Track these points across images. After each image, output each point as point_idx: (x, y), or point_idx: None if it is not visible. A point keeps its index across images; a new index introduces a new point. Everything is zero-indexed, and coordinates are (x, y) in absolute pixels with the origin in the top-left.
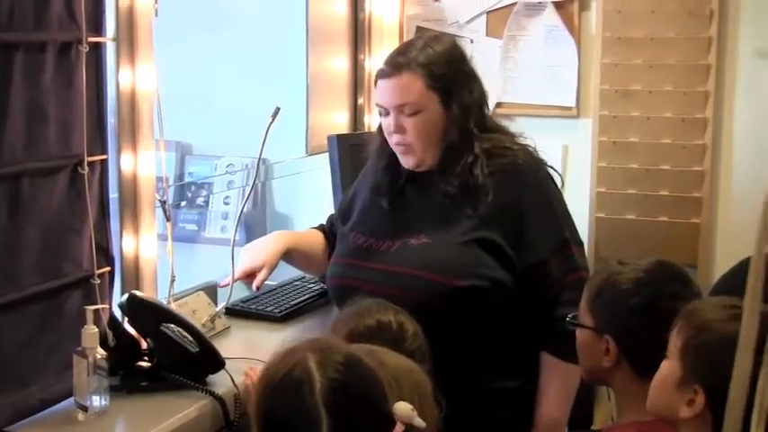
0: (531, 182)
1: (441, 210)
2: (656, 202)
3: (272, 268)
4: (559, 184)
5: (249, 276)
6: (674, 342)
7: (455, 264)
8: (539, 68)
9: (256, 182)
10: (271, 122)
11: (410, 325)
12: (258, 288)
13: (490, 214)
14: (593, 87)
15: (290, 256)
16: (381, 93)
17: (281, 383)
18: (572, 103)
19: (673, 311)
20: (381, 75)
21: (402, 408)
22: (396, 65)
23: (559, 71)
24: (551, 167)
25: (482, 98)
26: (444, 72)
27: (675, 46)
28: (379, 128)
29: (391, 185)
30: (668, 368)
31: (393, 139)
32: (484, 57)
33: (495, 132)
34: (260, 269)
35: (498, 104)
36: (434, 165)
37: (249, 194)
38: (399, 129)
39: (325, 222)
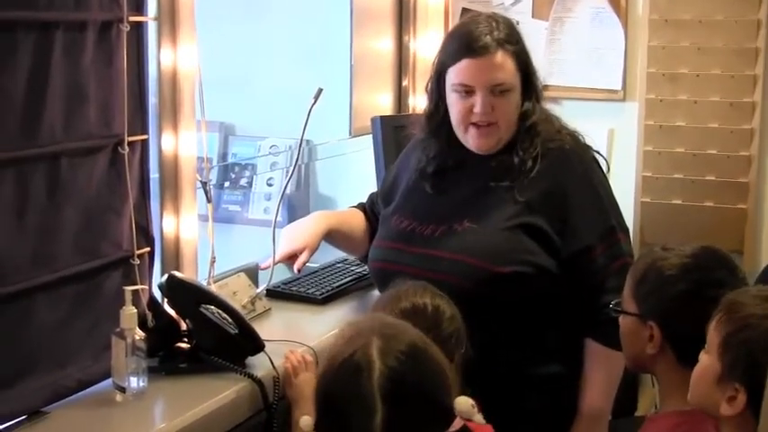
0: (577, 168)
1: (485, 194)
2: (702, 187)
3: (314, 250)
4: (605, 170)
5: (290, 258)
6: (713, 336)
7: (498, 249)
8: (585, 51)
9: (299, 163)
10: (313, 104)
11: (447, 308)
12: (299, 270)
13: (536, 200)
14: (639, 70)
15: (330, 237)
16: (469, 72)
17: (342, 367)
18: (618, 87)
19: (717, 299)
20: (469, 53)
21: (463, 402)
22: (485, 44)
23: (606, 54)
24: (598, 153)
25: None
26: (525, 51)
27: (723, 29)
28: (432, 111)
29: (437, 171)
30: (707, 362)
31: (474, 118)
32: (529, 39)
33: (547, 116)
34: (301, 251)
35: (544, 87)
36: (502, 145)
37: (291, 175)
38: (488, 108)
39: (365, 201)
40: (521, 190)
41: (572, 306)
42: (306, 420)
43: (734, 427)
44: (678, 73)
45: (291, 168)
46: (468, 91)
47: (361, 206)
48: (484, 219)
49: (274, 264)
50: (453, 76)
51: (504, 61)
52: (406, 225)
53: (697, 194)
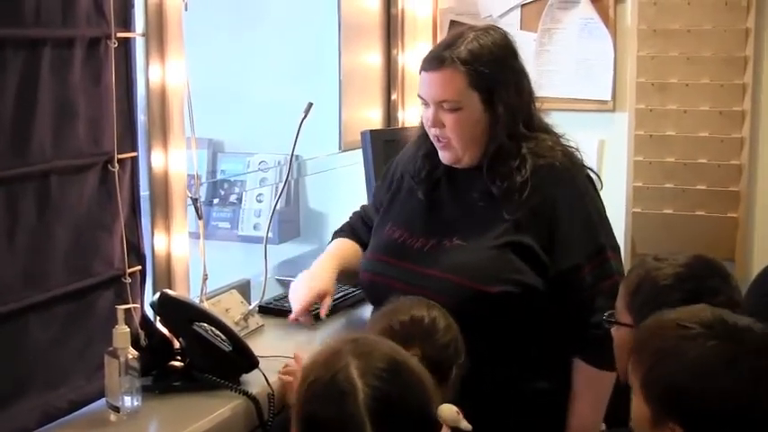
0: (568, 185)
1: (475, 211)
2: (693, 197)
3: (333, 294)
4: (599, 188)
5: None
6: (633, 382)
7: (486, 269)
8: (574, 62)
9: (289, 179)
10: (303, 118)
11: (443, 319)
12: (326, 315)
13: (525, 217)
14: (629, 80)
15: (340, 276)
16: (422, 85)
17: (324, 391)
18: (608, 97)
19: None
20: (424, 66)
21: (447, 411)
22: (439, 59)
23: (595, 65)
24: (591, 170)
25: (530, 96)
26: (489, 71)
27: (712, 38)
28: (422, 118)
29: (429, 175)
30: (636, 406)
31: (432, 132)
32: (518, 50)
33: (541, 131)
34: (323, 298)
35: None
36: (474, 162)
37: (282, 191)
38: (438, 123)
39: (352, 221)
40: (509, 208)
41: (560, 323)
42: None
43: None
44: (667, 83)
45: (283, 184)
46: (425, 103)
47: (348, 231)
48: (473, 236)
49: (298, 316)
50: (418, 87)
51: (451, 78)
52: (398, 236)
53: (688, 203)
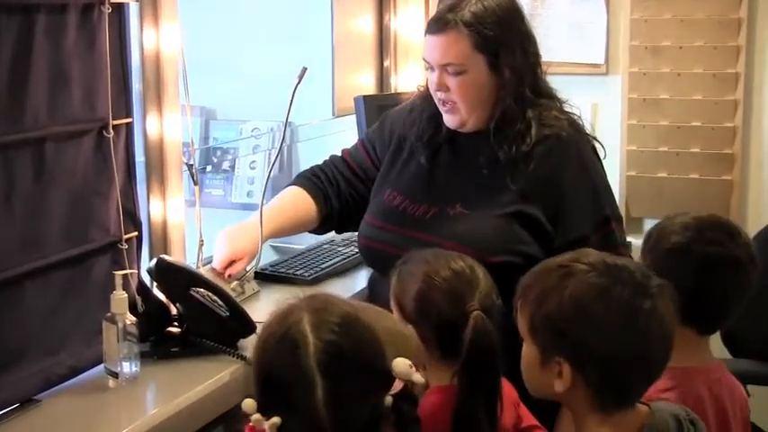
0: (573, 155)
1: (480, 178)
2: (687, 160)
3: (252, 257)
4: (604, 157)
5: (229, 265)
6: (521, 325)
7: (490, 238)
8: (566, 25)
9: (283, 145)
10: (297, 83)
11: (478, 267)
12: (230, 276)
13: (530, 187)
14: (622, 44)
15: (275, 237)
16: (427, 49)
17: (277, 344)
18: (601, 60)
19: (706, 256)
20: (428, 30)
21: (401, 364)
22: (443, 21)
23: (587, 28)
24: (595, 139)
25: (537, 60)
26: (494, 33)
27: (706, 0)
28: (426, 81)
29: (431, 139)
30: (526, 351)
31: (437, 96)
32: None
33: (546, 98)
34: (240, 258)
35: None
36: (479, 127)
37: (276, 158)
38: (443, 87)
39: (324, 165)
40: (515, 177)
41: None
42: (248, 403)
43: (576, 401)
44: (661, 46)
45: (277, 151)
46: (430, 67)
47: (308, 179)
48: (477, 205)
49: (213, 270)
50: (423, 50)
51: (455, 41)
52: (398, 202)
53: (682, 167)
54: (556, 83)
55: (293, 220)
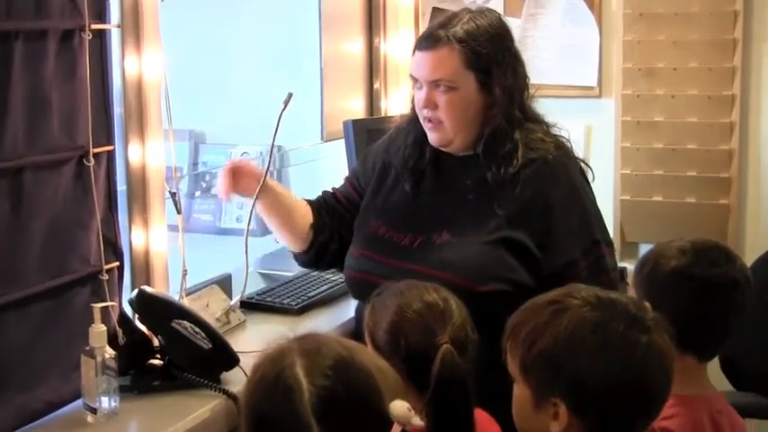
0: (561, 179)
1: (465, 203)
2: (683, 183)
3: (258, 178)
4: (592, 180)
5: (235, 174)
6: (512, 366)
7: (478, 266)
8: (559, 48)
9: (270, 169)
10: (283, 109)
11: (452, 299)
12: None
13: (518, 212)
14: (615, 66)
15: (272, 200)
16: (416, 64)
17: (270, 388)
18: (594, 83)
19: (709, 278)
20: (419, 46)
21: (399, 407)
22: (435, 37)
23: (580, 50)
24: (583, 162)
25: (525, 82)
26: (486, 51)
27: (700, 21)
28: (410, 101)
29: (415, 165)
30: (518, 393)
31: (423, 113)
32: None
33: (533, 121)
34: (251, 171)
35: None
36: (464, 147)
37: (262, 183)
38: (430, 104)
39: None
40: (501, 202)
41: None
42: None
43: None
44: (654, 67)
45: (263, 176)
46: (419, 84)
47: (310, 201)
48: (463, 231)
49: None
50: (410, 67)
51: (447, 57)
52: (383, 232)
53: (678, 191)
54: (548, 106)
55: (294, 204)
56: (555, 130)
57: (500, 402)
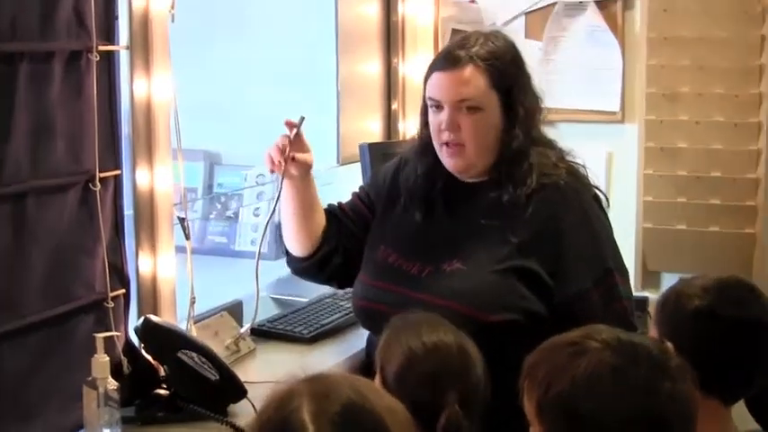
0: (573, 205)
1: (476, 230)
2: (706, 212)
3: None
4: (606, 206)
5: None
6: (528, 408)
7: (488, 296)
8: (581, 71)
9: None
10: (295, 133)
11: (471, 346)
12: (294, 160)
13: (529, 240)
14: (638, 91)
15: (304, 183)
16: (437, 86)
17: None
18: (616, 108)
19: (734, 318)
20: (438, 67)
21: None
22: (456, 57)
23: (603, 74)
24: (597, 188)
25: (539, 105)
26: (508, 71)
27: (726, 46)
28: (421, 127)
29: (427, 195)
30: None
31: (443, 137)
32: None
33: (544, 145)
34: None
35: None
36: (482, 172)
37: (274, 208)
38: (453, 126)
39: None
40: (513, 230)
41: None
42: None
43: None
44: (679, 92)
45: (275, 201)
46: (438, 106)
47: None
48: (473, 260)
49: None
50: (427, 90)
51: (472, 76)
52: (393, 260)
53: (701, 219)
54: (569, 131)
55: (318, 205)
56: (569, 157)
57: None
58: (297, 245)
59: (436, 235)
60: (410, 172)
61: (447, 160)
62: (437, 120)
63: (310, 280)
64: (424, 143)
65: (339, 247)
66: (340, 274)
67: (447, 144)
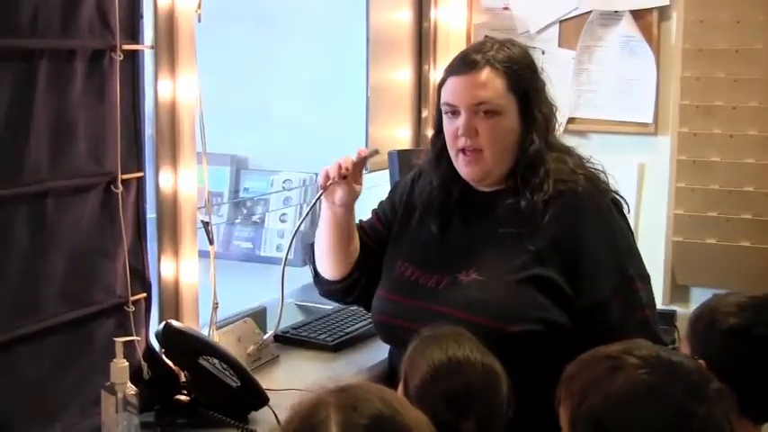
0: (591, 213)
1: (492, 241)
2: (738, 226)
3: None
4: (627, 212)
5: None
6: (562, 417)
7: (507, 307)
8: (614, 82)
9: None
10: (363, 159)
11: (497, 365)
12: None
13: (546, 248)
14: (672, 102)
15: (348, 210)
16: (453, 90)
17: None
18: (649, 120)
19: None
20: (454, 71)
21: None
22: (473, 61)
23: (636, 85)
24: (617, 194)
25: (554, 111)
26: (525, 76)
27: (762, 58)
28: (434, 136)
29: (442, 206)
30: None
31: (460, 143)
32: (556, 69)
33: (563, 152)
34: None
35: (571, 120)
36: (499, 179)
37: (307, 214)
38: (470, 131)
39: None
40: (530, 238)
41: None
42: None
43: None
44: (713, 105)
45: (307, 210)
46: (454, 111)
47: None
48: (490, 270)
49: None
50: (442, 96)
51: (490, 79)
52: (410, 273)
53: (732, 234)
54: (601, 142)
55: (356, 230)
56: (588, 164)
57: None
58: (330, 269)
59: (453, 246)
60: (425, 184)
61: (463, 169)
62: (453, 126)
63: (336, 301)
64: (438, 152)
65: (364, 270)
66: (365, 295)
67: (464, 151)
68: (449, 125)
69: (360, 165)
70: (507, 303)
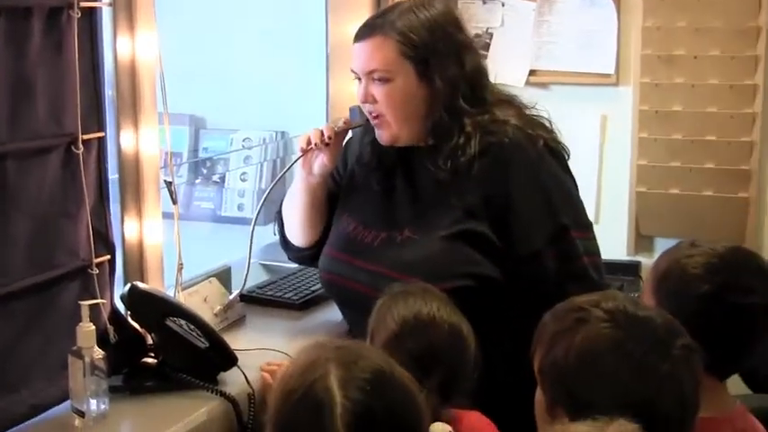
0: (519, 164)
1: (426, 197)
2: (701, 176)
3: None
4: (567, 158)
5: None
6: (535, 364)
7: (438, 265)
8: (575, 33)
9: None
10: (345, 128)
11: (464, 324)
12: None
13: (476, 202)
14: (633, 53)
15: (323, 177)
16: (353, 57)
17: (301, 401)
18: (611, 70)
19: (743, 307)
20: (355, 37)
21: (439, 430)
22: (371, 27)
23: (597, 36)
24: (554, 140)
25: (477, 70)
26: (425, 41)
27: (722, 7)
28: None
29: (380, 162)
30: (537, 395)
31: (365, 109)
32: (516, 21)
33: (498, 105)
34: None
35: (532, 72)
36: (415, 141)
37: (281, 176)
38: (368, 97)
39: None
40: (459, 193)
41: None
42: None
43: None
44: (674, 55)
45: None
46: (358, 77)
47: None
48: (424, 227)
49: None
50: None
51: (381, 46)
52: (352, 228)
53: (696, 183)
54: (563, 93)
55: (326, 202)
56: (532, 111)
57: (480, 398)
58: (300, 237)
59: (395, 203)
60: (356, 144)
61: (376, 132)
62: (358, 91)
63: (307, 266)
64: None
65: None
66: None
67: (372, 116)
68: (357, 90)
69: (343, 135)
70: (438, 261)
